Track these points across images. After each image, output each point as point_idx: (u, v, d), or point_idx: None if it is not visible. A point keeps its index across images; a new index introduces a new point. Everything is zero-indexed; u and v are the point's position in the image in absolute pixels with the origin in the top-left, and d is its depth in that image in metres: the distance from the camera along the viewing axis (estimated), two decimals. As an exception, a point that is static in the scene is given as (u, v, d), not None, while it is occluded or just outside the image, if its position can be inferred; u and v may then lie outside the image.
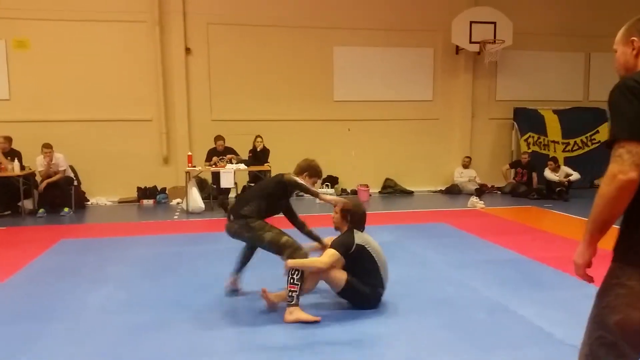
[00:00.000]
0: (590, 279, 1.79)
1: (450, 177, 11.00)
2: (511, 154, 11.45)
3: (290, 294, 3.55)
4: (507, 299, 3.99)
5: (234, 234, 3.82)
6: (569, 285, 4.30)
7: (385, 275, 3.82)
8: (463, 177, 10.82)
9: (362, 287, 3.70)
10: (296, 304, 3.56)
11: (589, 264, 1.74)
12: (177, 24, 9.71)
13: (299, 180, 3.88)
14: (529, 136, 11.06)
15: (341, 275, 3.68)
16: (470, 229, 6.73)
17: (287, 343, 3.25)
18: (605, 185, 1.59)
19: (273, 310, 3.75)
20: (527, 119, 11.19)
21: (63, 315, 3.78)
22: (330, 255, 3.62)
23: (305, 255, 3.70)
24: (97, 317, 3.74)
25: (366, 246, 3.72)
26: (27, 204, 8.40)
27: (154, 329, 3.49)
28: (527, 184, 10.21)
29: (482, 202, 8.91)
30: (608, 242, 1.75)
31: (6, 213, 8.27)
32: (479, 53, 10.75)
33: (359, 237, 3.74)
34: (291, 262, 3.54)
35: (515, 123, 11.28)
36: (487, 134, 11.40)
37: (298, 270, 3.54)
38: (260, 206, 3.79)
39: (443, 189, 10.93)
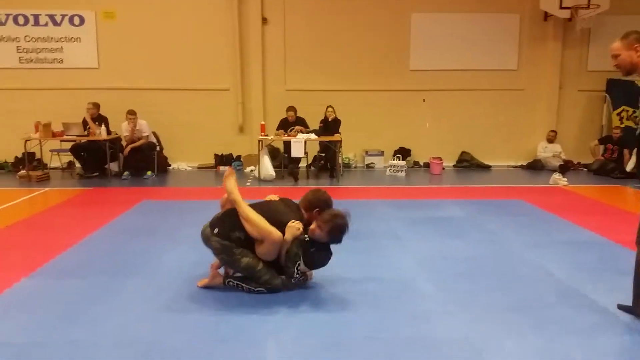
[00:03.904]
0: None
1: (533, 151, 10.43)
2: (601, 128, 10.63)
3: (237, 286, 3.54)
4: (582, 283, 3.75)
5: (208, 244, 3.60)
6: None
7: None
8: (547, 152, 10.23)
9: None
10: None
11: None
12: (254, -7, 9.78)
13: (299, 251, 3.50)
14: (623, 110, 10.20)
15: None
16: (550, 208, 6.37)
17: (331, 308, 3.27)
18: None
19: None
20: (621, 92, 10.27)
21: (139, 272, 4.02)
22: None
23: (280, 284, 3.54)
24: (170, 275, 3.93)
25: None
26: (113, 166, 8.96)
27: (220, 289, 3.61)
28: (617, 162, 9.48)
29: (565, 179, 8.38)
30: None
31: (94, 174, 8.86)
32: (569, 19, 9.96)
33: None
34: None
35: (607, 95, 10.43)
36: (575, 107, 10.64)
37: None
38: (251, 242, 3.50)
39: (524, 164, 10.41)
